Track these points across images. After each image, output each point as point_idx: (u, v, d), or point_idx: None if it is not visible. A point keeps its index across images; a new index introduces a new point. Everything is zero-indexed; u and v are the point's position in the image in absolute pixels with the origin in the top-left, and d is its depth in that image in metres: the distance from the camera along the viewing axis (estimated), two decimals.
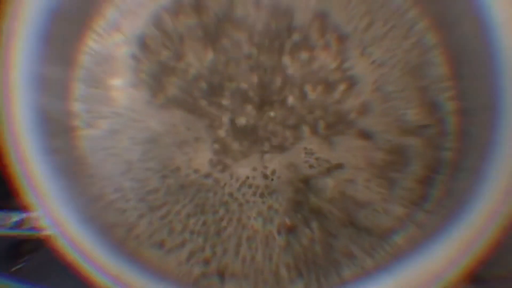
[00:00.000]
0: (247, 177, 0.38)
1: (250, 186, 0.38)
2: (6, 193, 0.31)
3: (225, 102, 0.40)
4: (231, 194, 0.38)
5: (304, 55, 0.41)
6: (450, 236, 0.33)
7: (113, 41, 0.41)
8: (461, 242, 0.32)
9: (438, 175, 0.39)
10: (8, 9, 0.33)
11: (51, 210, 0.33)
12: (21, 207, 0.32)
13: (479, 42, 0.36)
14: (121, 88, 0.40)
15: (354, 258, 0.37)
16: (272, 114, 0.40)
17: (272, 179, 0.38)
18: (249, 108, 0.40)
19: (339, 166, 0.39)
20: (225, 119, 0.39)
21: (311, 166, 0.39)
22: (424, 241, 0.35)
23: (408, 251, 0.36)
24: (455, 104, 0.40)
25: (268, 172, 0.39)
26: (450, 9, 0.39)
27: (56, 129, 0.36)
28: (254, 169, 0.39)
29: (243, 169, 0.38)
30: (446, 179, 0.39)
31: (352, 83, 0.40)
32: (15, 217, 0.43)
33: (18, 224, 0.43)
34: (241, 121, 0.39)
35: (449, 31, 0.40)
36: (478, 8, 0.36)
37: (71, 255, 0.31)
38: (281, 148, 0.39)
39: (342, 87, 0.40)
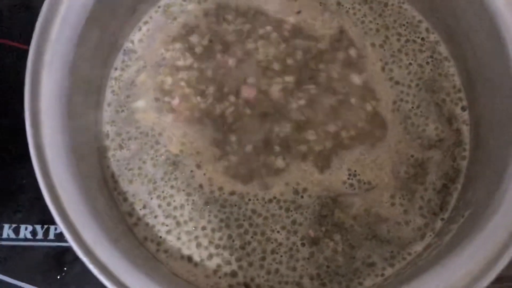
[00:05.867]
0: (274, 196, 0.39)
1: (278, 201, 0.39)
2: (46, 208, 0.32)
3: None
4: (254, 210, 0.39)
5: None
6: (467, 246, 0.33)
7: (136, 67, 0.42)
8: (478, 251, 0.32)
9: (455, 184, 0.40)
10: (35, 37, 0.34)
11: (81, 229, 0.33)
12: None
13: (492, 54, 0.37)
14: (145, 110, 0.41)
15: (375, 267, 0.38)
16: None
17: (302, 196, 0.39)
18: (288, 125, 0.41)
19: (374, 187, 0.39)
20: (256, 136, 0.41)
21: (351, 186, 0.40)
22: (443, 250, 0.36)
23: (427, 260, 0.36)
24: (469, 115, 0.41)
25: (300, 189, 0.39)
26: (461, 21, 0.39)
27: (87, 151, 0.38)
28: (287, 184, 0.39)
29: (273, 186, 0.39)
30: (462, 188, 0.40)
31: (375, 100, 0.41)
32: (55, 230, 0.45)
33: (58, 236, 0.45)
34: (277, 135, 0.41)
35: (461, 42, 0.40)
36: (490, 20, 0.36)
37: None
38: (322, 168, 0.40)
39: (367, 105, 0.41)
